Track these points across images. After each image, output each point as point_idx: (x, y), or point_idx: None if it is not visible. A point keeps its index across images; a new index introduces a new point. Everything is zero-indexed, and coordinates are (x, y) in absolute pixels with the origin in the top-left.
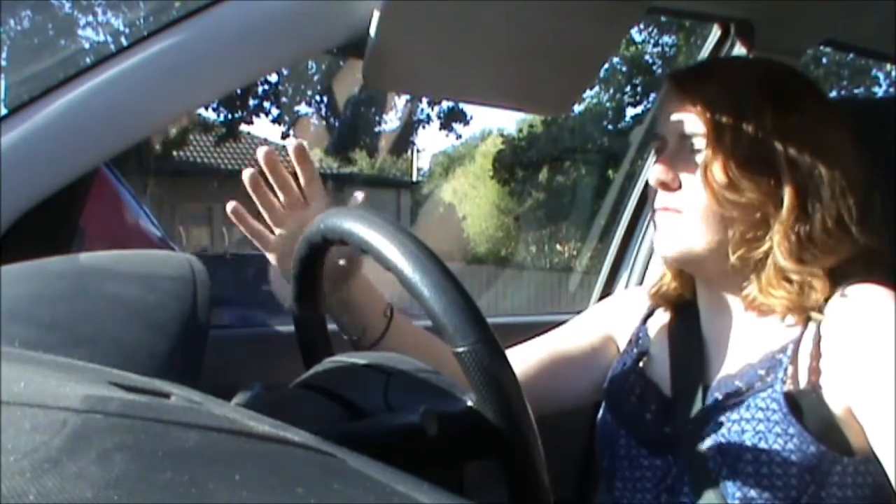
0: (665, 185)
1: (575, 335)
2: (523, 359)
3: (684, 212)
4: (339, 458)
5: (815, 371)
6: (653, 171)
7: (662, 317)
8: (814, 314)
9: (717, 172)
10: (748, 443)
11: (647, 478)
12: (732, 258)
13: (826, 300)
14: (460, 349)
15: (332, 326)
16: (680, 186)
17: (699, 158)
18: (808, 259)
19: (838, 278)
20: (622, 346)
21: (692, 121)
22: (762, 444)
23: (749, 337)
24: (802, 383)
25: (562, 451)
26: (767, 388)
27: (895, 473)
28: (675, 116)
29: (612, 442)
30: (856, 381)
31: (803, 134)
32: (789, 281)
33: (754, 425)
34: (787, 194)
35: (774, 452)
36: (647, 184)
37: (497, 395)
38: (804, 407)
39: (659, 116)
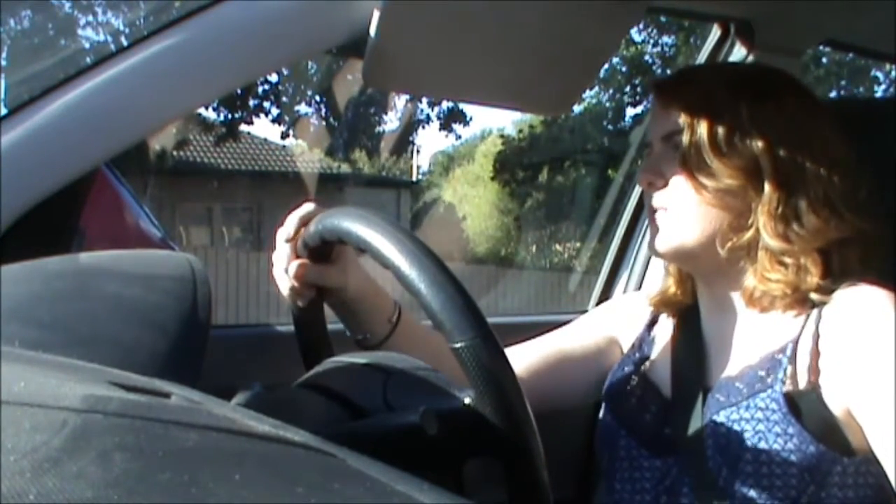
0: (651, 185)
1: (577, 335)
2: (524, 357)
3: (670, 208)
4: (339, 457)
5: (814, 371)
6: (641, 174)
7: (666, 323)
8: (815, 296)
9: (694, 161)
10: (748, 443)
11: (646, 478)
12: (722, 251)
13: (824, 288)
14: (458, 345)
15: (332, 327)
16: (666, 184)
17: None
18: (795, 238)
19: (835, 263)
20: (625, 349)
21: (672, 121)
22: (762, 445)
23: (750, 338)
24: (802, 383)
25: (562, 451)
26: (767, 388)
27: (895, 473)
28: (658, 122)
29: (612, 442)
30: (855, 383)
31: (782, 121)
32: (783, 264)
33: (754, 425)
34: (768, 176)
35: (774, 452)
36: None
37: (495, 390)
38: (804, 407)
39: (647, 125)
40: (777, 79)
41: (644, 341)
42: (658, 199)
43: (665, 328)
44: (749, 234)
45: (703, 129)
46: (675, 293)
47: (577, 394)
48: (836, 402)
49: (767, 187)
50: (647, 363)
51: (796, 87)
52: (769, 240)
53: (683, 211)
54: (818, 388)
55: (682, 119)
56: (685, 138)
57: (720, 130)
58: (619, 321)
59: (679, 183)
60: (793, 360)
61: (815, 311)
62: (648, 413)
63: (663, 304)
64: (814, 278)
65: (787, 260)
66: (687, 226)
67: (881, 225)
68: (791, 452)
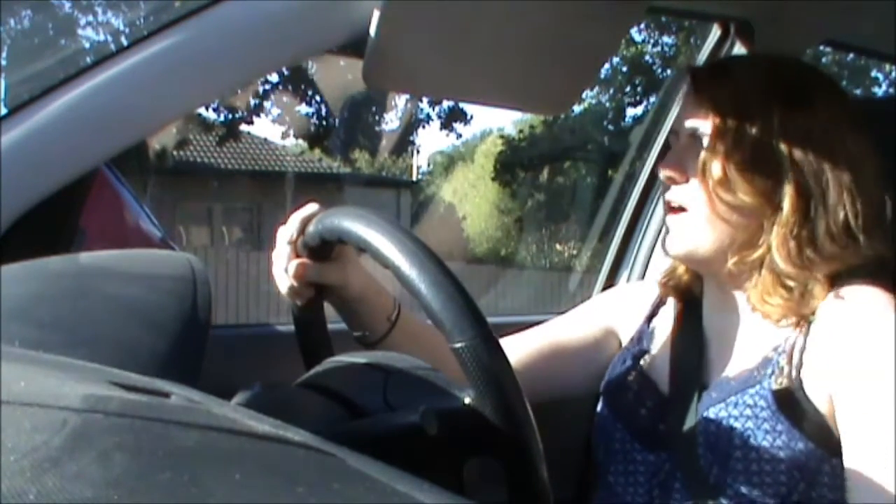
0: (672, 180)
1: (575, 325)
2: (523, 346)
3: (691, 209)
4: (338, 457)
5: (801, 368)
6: (662, 166)
7: (666, 316)
8: (812, 316)
9: (714, 170)
10: (737, 440)
11: (640, 472)
12: (729, 263)
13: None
14: (458, 345)
15: (332, 326)
16: (687, 182)
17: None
18: (808, 264)
19: (839, 286)
20: (624, 340)
21: (702, 119)
22: (751, 442)
23: (751, 339)
24: (790, 380)
25: (562, 449)
26: (756, 384)
27: (855, 472)
28: (687, 114)
29: (607, 436)
30: (838, 376)
31: (813, 134)
32: (787, 288)
33: (743, 422)
34: (788, 197)
35: (763, 449)
36: (650, 183)
37: (495, 390)
38: (792, 404)
39: (678, 111)
40: (812, 80)
41: (644, 334)
42: (676, 195)
43: (665, 321)
44: (759, 252)
45: (730, 136)
46: (683, 274)
47: (572, 384)
48: (819, 395)
49: (787, 207)
50: (647, 357)
51: (830, 90)
52: (780, 262)
53: (699, 217)
54: (805, 386)
55: (711, 120)
56: (710, 144)
57: (747, 141)
58: (617, 311)
59: (698, 186)
60: (784, 358)
61: (811, 313)
62: (644, 408)
63: (672, 286)
64: (817, 301)
65: (792, 284)
66: (701, 233)
67: (892, 245)
68: (780, 449)
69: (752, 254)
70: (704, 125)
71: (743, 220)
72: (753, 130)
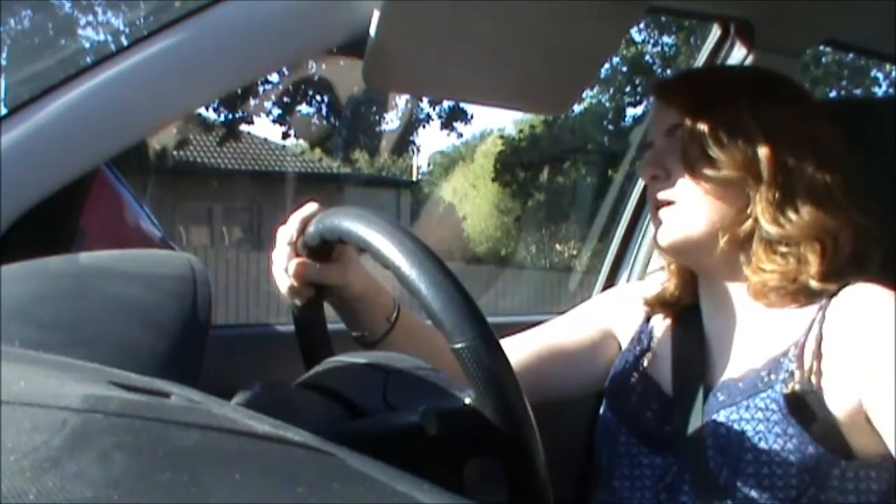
0: (655, 178)
1: (574, 326)
2: (521, 347)
3: (679, 201)
4: (338, 457)
5: (817, 373)
6: (643, 167)
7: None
8: (815, 285)
9: (696, 152)
10: (748, 443)
11: (646, 476)
12: (721, 242)
13: (825, 275)
14: (458, 345)
15: (332, 326)
16: (669, 177)
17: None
18: (790, 226)
19: (830, 252)
20: (623, 341)
21: (673, 116)
22: (762, 445)
23: (753, 338)
24: (803, 384)
25: (562, 450)
26: (767, 388)
27: None
28: (658, 118)
29: (612, 439)
30: (867, 387)
31: (779, 113)
32: (780, 254)
33: (754, 426)
34: (766, 166)
35: (774, 452)
36: (646, 185)
37: (495, 391)
38: (803, 408)
39: (647, 126)
40: (774, 78)
41: (643, 334)
42: (661, 192)
43: (664, 320)
44: (748, 224)
45: (704, 120)
46: (673, 293)
47: (571, 386)
48: (841, 404)
49: (766, 176)
50: (648, 358)
51: (793, 87)
52: (767, 226)
53: (687, 204)
54: (820, 390)
55: (684, 113)
56: (686, 130)
57: (721, 121)
58: (616, 312)
59: (682, 175)
60: (795, 362)
61: (819, 314)
62: (649, 410)
63: (659, 305)
64: (813, 267)
65: (784, 249)
66: (691, 218)
67: (875, 219)
68: (790, 453)
69: (741, 227)
70: (678, 119)
71: (729, 195)
72: (724, 115)
